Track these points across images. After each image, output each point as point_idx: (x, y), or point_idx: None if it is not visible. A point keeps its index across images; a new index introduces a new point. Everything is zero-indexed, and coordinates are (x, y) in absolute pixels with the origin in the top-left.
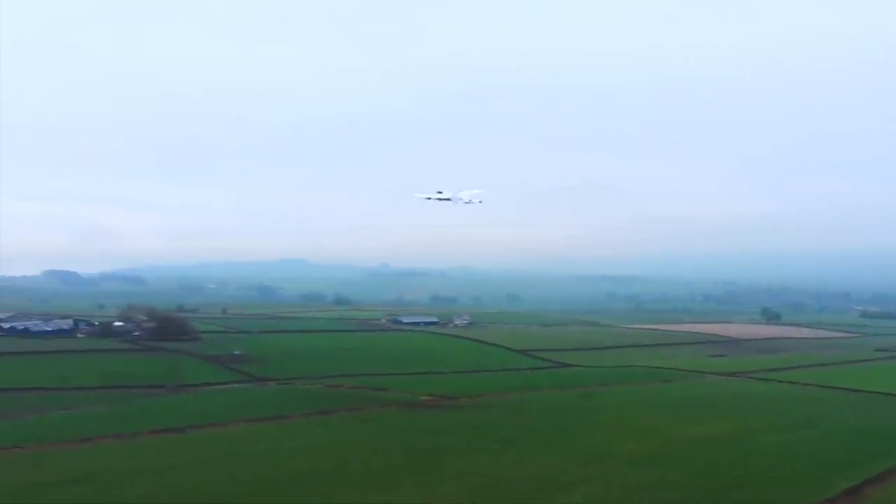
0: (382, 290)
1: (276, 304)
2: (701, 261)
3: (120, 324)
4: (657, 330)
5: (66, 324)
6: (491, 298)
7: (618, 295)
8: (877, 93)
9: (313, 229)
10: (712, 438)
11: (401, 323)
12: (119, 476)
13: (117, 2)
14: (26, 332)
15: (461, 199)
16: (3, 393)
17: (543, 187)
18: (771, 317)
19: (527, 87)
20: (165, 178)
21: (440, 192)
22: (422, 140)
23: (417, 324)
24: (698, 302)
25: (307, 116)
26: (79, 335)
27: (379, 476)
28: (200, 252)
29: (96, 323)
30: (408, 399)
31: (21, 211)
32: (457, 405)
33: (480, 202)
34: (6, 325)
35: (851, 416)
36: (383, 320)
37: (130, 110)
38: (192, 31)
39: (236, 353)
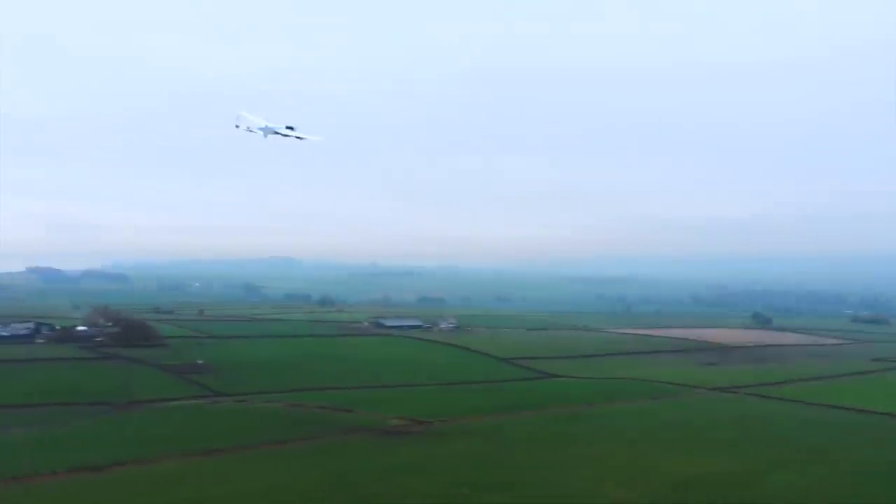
0: (370, 289)
1: (257, 303)
2: (690, 263)
3: (83, 328)
4: (647, 335)
5: (24, 328)
6: (479, 299)
7: (606, 297)
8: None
9: (305, 227)
10: (711, 480)
11: (384, 326)
12: None
13: None
14: None
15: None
16: None
17: (533, 188)
18: (762, 321)
19: (511, 85)
20: (157, 175)
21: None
22: (412, 140)
23: (401, 327)
24: (688, 304)
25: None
26: (38, 341)
27: None
28: (188, 249)
29: (57, 327)
30: (374, 423)
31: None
32: (429, 431)
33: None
34: None
35: (864, 447)
36: (365, 323)
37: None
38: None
39: (199, 362)
